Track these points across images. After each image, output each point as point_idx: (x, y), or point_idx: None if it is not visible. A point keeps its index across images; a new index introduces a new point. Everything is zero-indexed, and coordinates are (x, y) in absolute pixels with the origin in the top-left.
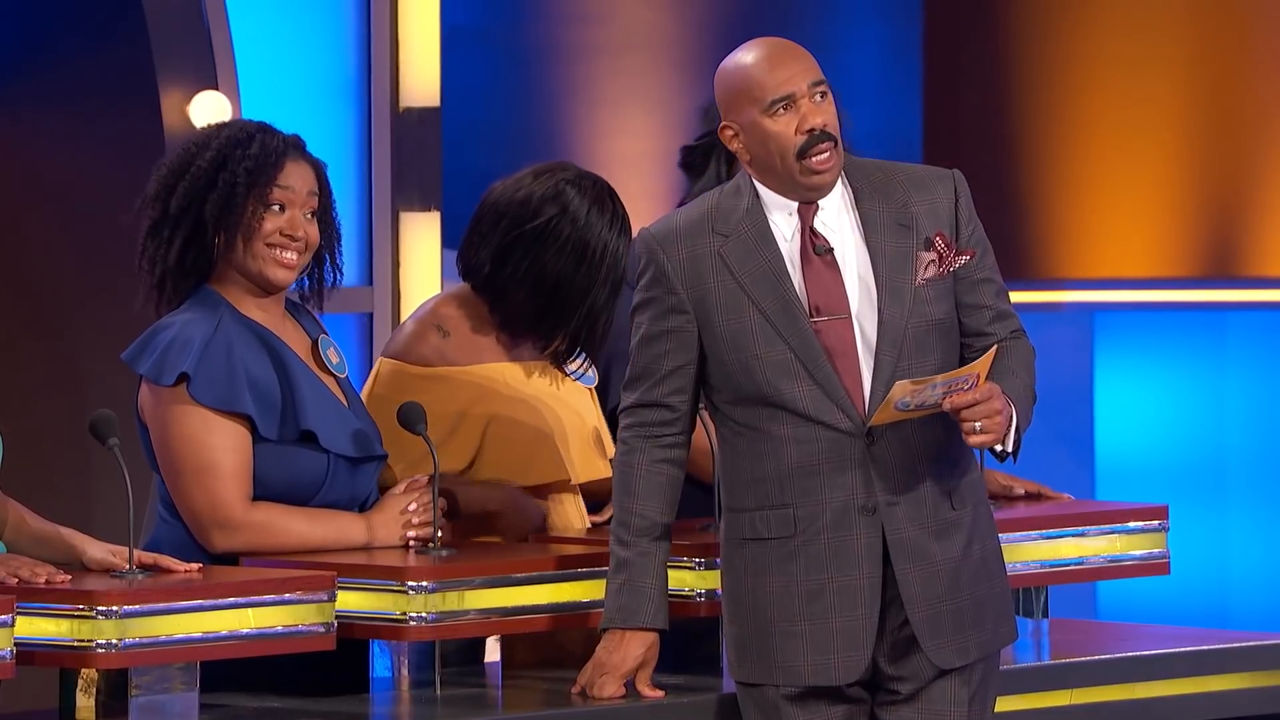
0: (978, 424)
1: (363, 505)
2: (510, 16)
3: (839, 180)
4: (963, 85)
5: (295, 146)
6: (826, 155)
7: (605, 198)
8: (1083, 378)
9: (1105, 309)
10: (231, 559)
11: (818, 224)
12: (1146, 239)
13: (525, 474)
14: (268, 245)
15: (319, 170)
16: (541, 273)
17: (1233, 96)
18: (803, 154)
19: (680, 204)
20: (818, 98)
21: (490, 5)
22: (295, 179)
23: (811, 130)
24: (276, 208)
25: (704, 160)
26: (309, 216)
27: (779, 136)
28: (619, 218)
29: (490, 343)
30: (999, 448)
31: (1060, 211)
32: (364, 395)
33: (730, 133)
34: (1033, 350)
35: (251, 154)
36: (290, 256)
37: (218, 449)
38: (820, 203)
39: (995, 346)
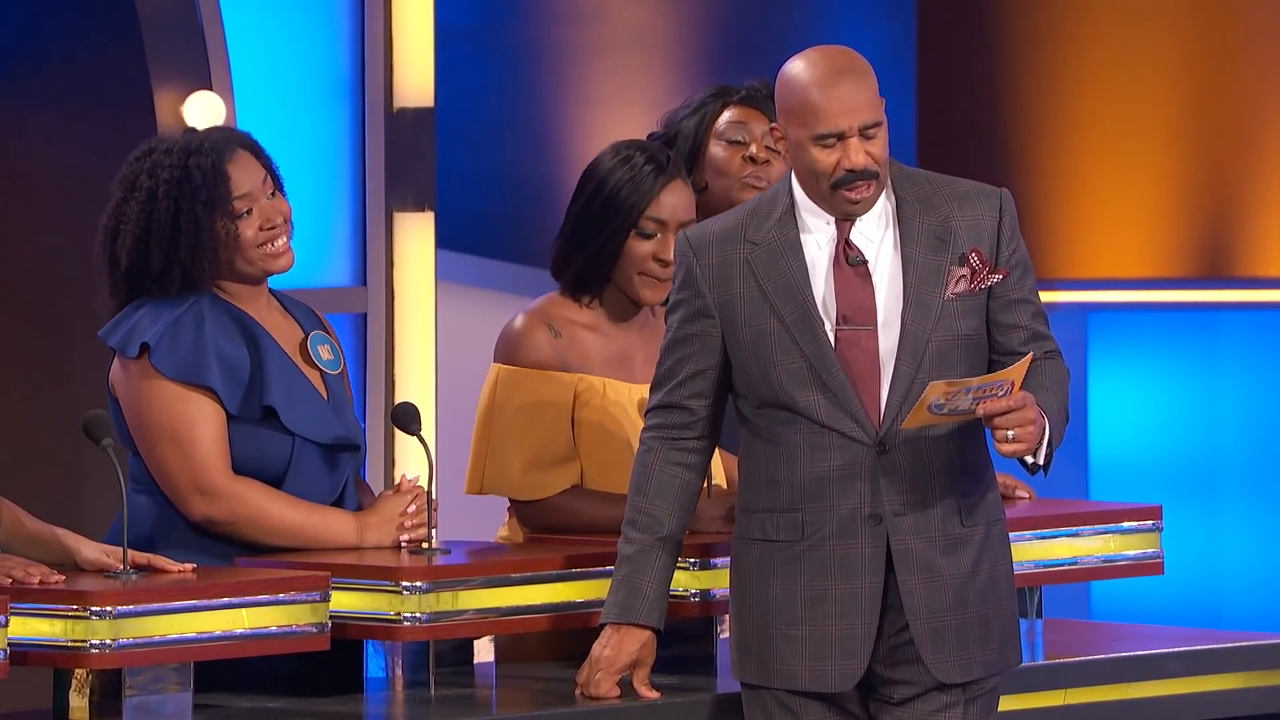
0: (1010, 432)
1: (338, 501)
2: (504, 16)
3: (882, 191)
4: (956, 85)
5: (225, 148)
6: (860, 191)
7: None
8: (1076, 378)
9: (1099, 309)
10: (214, 537)
11: (855, 235)
12: (1140, 239)
13: (597, 485)
14: (258, 246)
15: (253, 147)
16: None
17: (1226, 97)
18: (837, 186)
19: None
20: (869, 135)
21: (484, 5)
22: (245, 178)
23: (852, 169)
24: (245, 213)
25: None
26: (272, 196)
27: (819, 164)
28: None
29: (600, 354)
30: (1030, 459)
31: (1054, 212)
32: (481, 405)
33: (779, 135)
34: (1068, 373)
35: (196, 185)
36: (281, 242)
37: (194, 418)
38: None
39: (1030, 354)
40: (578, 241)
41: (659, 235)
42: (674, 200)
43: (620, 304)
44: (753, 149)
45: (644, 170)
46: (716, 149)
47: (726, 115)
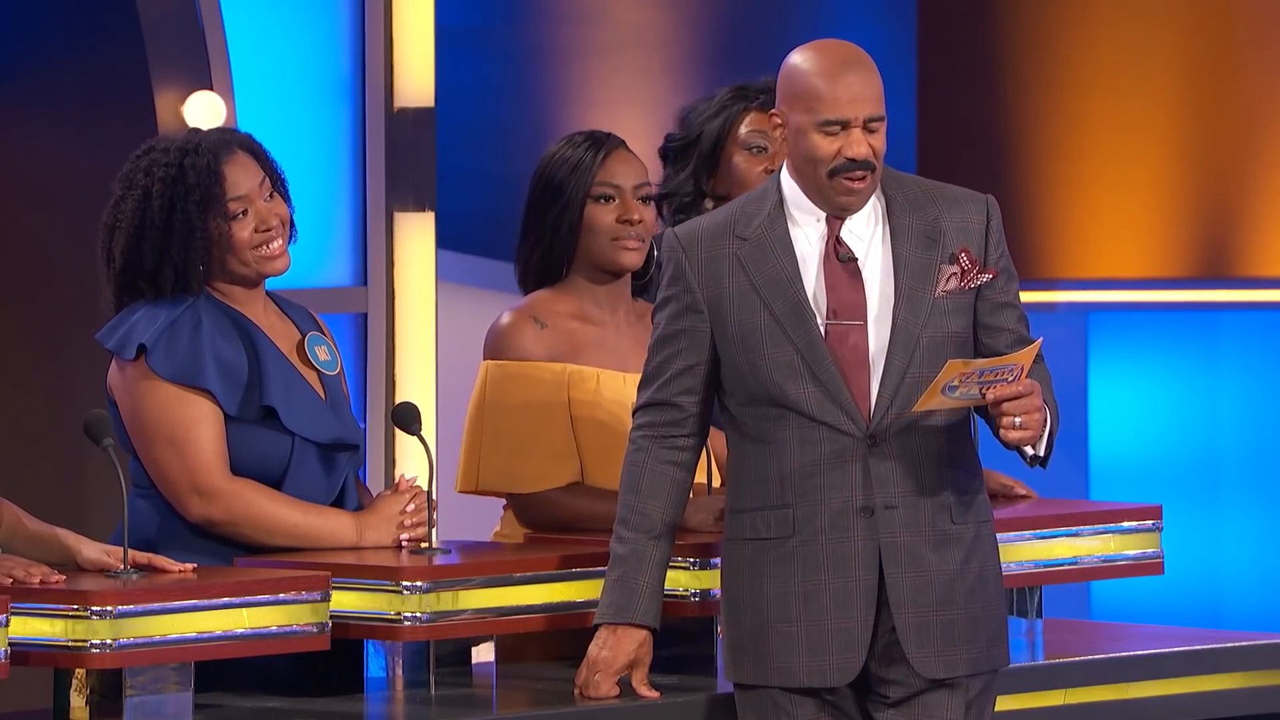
0: (1018, 419)
1: (338, 501)
2: (505, 17)
3: (875, 189)
4: (957, 86)
5: (223, 148)
6: (858, 181)
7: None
8: (1077, 378)
9: (1099, 309)
10: (214, 538)
11: (845, 233)
12: (1140, 239)
13: (598, 478)
14: (252, 249)
15: (253, 148)
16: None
17: (1226, 97)
18: (835, 173)
19: (658, 197)
20: (871, 129)
21: (485, 5)
22: (242, 180)
23: (852, 158)
24: (240, 214)
25: (681, 156)
26: (269, 198)
27: (819, 150)
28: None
29: (589, 343)
30: (1030, 450)
31: (1054, 212)
32: (472, 404)
33: (778, 121)
34: (1050, 374)
35: (190, 184)
36: (276, 244)
37: (191, 419)
38: None
39: (1040, 339)
40: (535, 231)
41: (617, 199)
42: (621, 166)
43: (598, 284)
44: (776, 160)
45: (582, 147)
46: (739, 159)
47: (748, 122)
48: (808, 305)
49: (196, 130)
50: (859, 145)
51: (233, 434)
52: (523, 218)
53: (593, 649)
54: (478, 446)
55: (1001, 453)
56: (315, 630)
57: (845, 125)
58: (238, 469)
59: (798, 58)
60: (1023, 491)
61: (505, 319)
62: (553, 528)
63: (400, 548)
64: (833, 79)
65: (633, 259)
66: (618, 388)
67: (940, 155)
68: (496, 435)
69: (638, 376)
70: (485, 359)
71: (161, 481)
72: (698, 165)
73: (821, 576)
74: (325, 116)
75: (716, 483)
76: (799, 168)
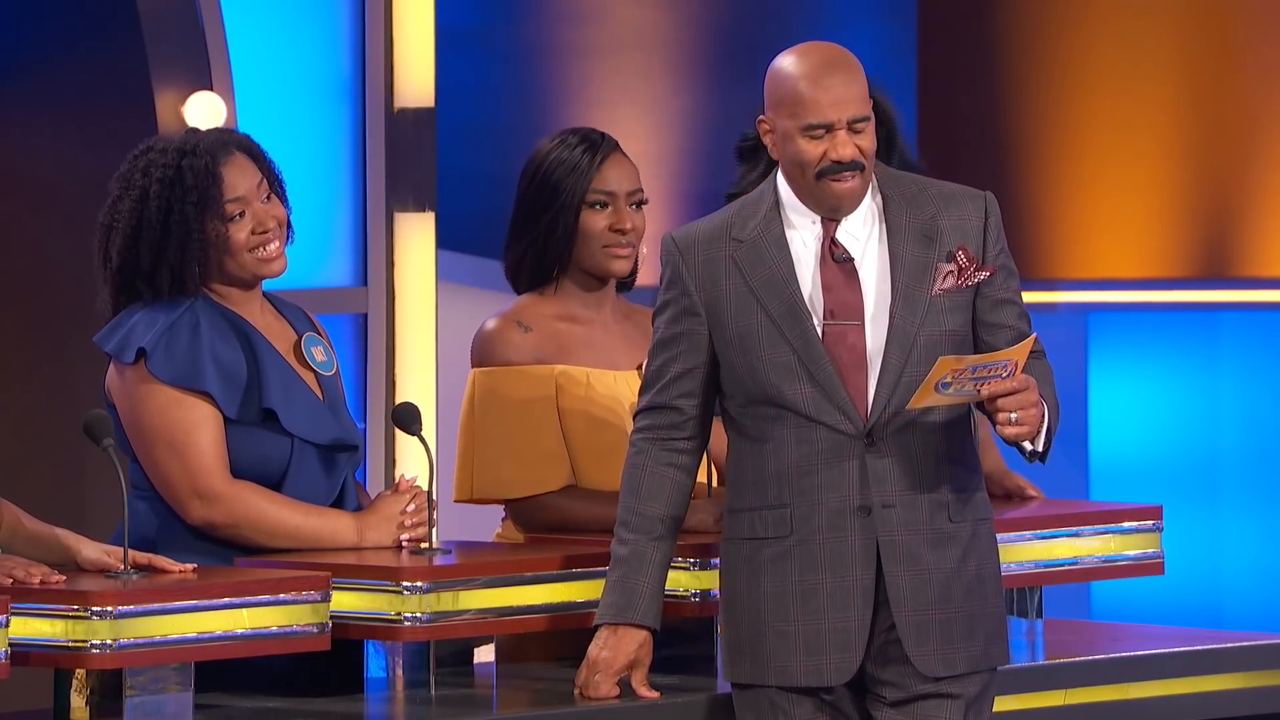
0: (1014, 414)
1: (337, 502)
2: (505, 17)
3: (869, 190)
4: (957, 86)
5: (221, 149)
6: (846, 181)
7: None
8: (1077, 378)
9: (1099, 309)
10: (215, 540)
11: (841, 234)
12: (1140, 239)
13: (596, 477)
14: (249, 250)
15: (251, 150)
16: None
17: (1226, 97)
18: (822, 175)
19: (728, 195)
20: (856, 129)
21: (485, 6)
22: (239, 181)
23: (838, 160)
24: (238, 216)
25: (754, 155)
26: (267, 200)
27: (805, 154)
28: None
29: (577, 343)
30: (1029, 446)
31: (1054, 212)
32: (463, 412)
33: (766, 127)
34: (1052, 370)
35: (188, 185)
36: (273, 246)
37: (191, 423)
38: None
39: (1034, 334)
40: (527, 232)
41: (611, 206)
42: (616, 172)
43: (586, 289)
44: None
45: (578, 150)
46: None
47: None
48: (804, 306)
49: (194, 131)
50: (844, 147)
51: (232, 436)
52: (512, 215)
53: (593, 649)
54: (470, 454)
55: (1008, 448)
56: (315, 630)
57: (829, 128)
58: (237, 471)
59: (780, 62)
60: (1033, 493)
61: (489, 325)
62: (549, 532)
63: (400, 548)
64: (814, 83)
65: (622, 266)
66: (609, 384)
67: (940, 155)
68: (487, 442)
69: (628, 373)
70: (472, 367)
71: (162, 485)
72: (769, 165)
73: (819, 576)
74: (325, 116)
75: (716, 484)
76: (789, 172)
